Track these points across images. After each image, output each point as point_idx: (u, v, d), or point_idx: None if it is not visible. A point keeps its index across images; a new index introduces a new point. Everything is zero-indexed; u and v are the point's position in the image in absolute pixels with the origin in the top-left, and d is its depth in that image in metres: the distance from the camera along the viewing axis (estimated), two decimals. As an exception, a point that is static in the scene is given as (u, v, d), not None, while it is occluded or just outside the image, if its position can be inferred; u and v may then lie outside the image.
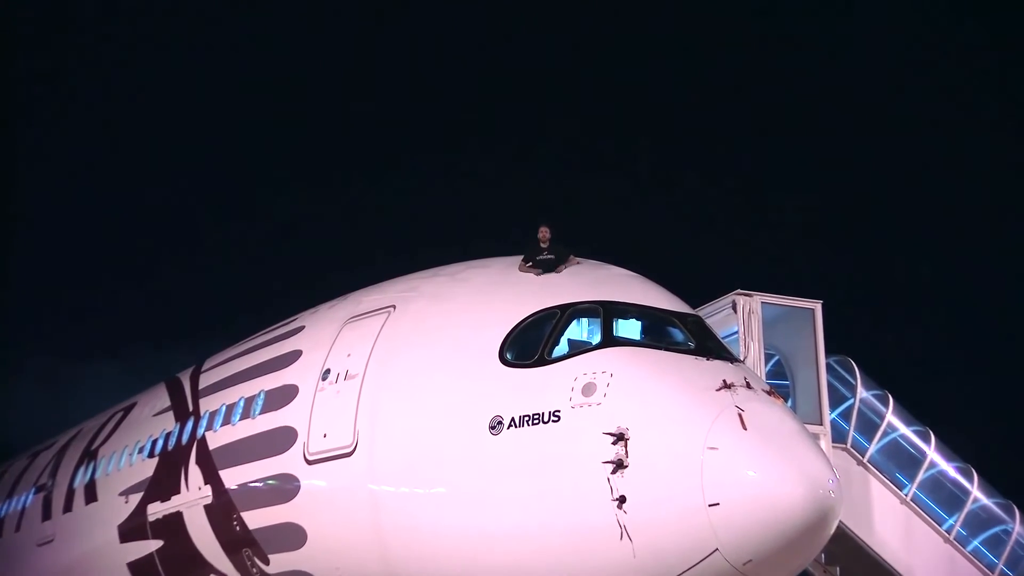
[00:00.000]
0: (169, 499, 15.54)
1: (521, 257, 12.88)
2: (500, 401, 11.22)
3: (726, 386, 10.52)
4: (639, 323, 11.63)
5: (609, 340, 11.21)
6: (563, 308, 11.71)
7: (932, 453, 15.79)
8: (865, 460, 15.25)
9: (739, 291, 14.70)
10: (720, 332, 13.23)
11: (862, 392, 15.68)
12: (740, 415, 10.16)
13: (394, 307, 13.25)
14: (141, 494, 16.27)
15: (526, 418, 10.93)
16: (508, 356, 11.54)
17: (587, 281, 12.27)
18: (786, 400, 13.42)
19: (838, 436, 15.11)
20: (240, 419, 14.71)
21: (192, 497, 15.07)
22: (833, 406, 15.23)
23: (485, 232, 32.52)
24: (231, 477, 14.45)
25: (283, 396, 13.93)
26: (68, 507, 18.18)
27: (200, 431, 15.55)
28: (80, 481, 18.18)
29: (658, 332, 11.57)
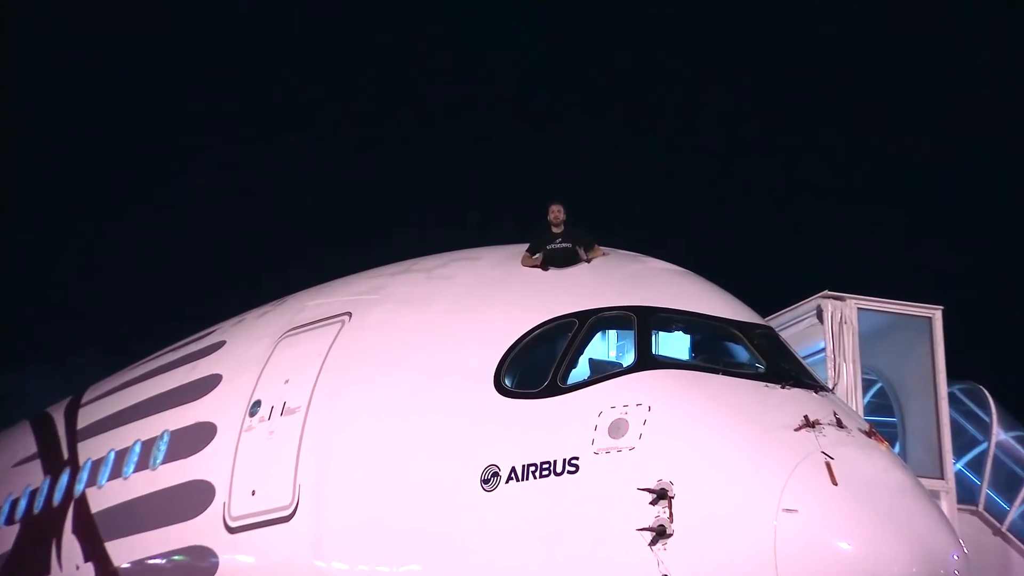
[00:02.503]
0: (36, 582, 15.55)
1: (526, 246, 12.94)
2: (496, 445, 11.31)
3: (808, 424, 10.53)
4: (687, 337, 11.70)
5: (646, 360, 11.25)
6: (583, 316, 11.74)
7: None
8: (1004, 528, 15.29)
9: (827, 293, 14.77)
10: (800, 349, 13.25)
11: (999, 433, 15.74)
12: (828, 464, 10.16)
13: (349, 315, 13.30)
14: (-5, 575, 16.30)
15: (532, 468, 10.98)
16: (507, 383, 11.63)
17: (616, 279, 12.33)
18: (893, 444, 13.50)
19: (966, 494, 15.20)
20: (135, 471, 14.71)
21: (68, 579, 15.05)
22: (958, 453, 15.28)
23: (482, 211, 32.90)
24: (122, 551, 14.46)
25: (195, 438, 13.97)
26: None
27: (79, 488, 15.58)
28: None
29: (714, 349, 11.64)
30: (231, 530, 13.09)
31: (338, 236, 33.32)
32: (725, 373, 11.18)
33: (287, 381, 13.12)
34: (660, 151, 35.94)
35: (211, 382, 14.40)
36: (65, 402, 17.57)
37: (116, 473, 15.02)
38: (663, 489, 10.25)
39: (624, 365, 11.38)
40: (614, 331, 11.86)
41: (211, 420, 13.91)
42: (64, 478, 16.02)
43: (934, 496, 12.45)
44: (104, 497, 15.03)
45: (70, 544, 15.18)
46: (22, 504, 16.60)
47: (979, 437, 15.71)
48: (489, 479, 11.15)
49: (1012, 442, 15.95)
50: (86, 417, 16.54)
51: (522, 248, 12.98)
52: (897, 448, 14.65)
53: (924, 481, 11.63)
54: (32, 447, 17.30)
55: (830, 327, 14.55)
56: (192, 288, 32.66)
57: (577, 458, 10.78)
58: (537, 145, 35.54)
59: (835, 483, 10.06)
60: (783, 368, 11.44)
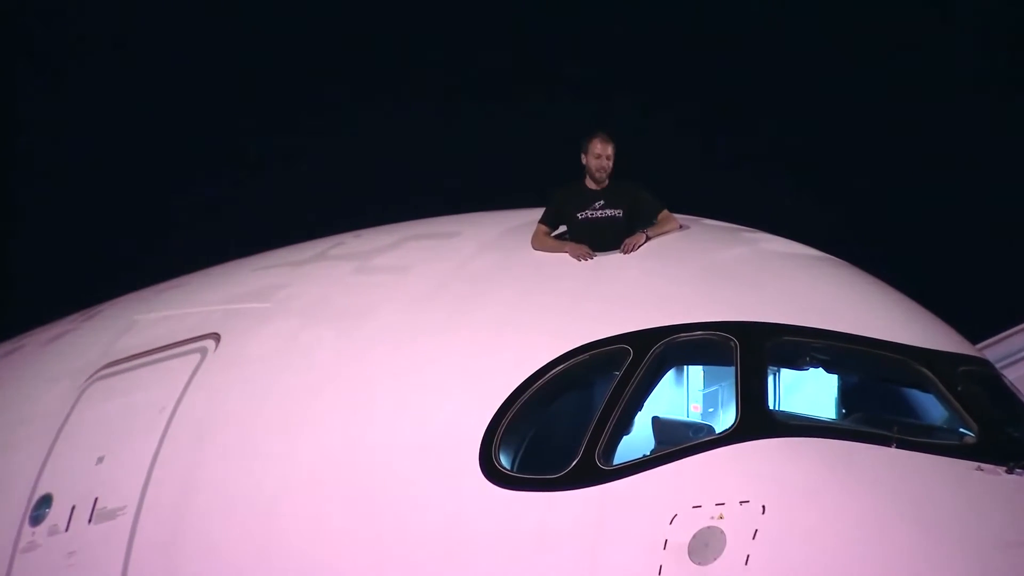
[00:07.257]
0: None
1: (539, 213, 12.94)
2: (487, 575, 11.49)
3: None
4: (834, 378, 11.80)
5: (757, 421, 11.24)
6: (642, 341, 11.66)
7: None
8: None
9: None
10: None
11: None
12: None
13: (216, 338, 13.42)
14: None
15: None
16: (503, 462, 11.58)
17: (702, 272, 12.34)
18: None
19: None
20: None
21: None
22: None
23: (474, 165, 33.28)
24: None
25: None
26: None
27: None
28: None
29: (883, 400, 11.69)
30: None
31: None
32: (902, 445, 11.01)
33: (101, 460, 13.16)
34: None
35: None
36: None
37: None
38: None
39: (717, 430, 11.29)
40: (698, 367, 11.91)
41: None
42: None
43: None
44: None
45: None
46: None
47: None
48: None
49: None
50: None
51: (533, 216, 12.90)
52: None
53: None
54: None
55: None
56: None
57: (632, 602, 10.88)
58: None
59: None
60: (1010, 436, 11.33)
